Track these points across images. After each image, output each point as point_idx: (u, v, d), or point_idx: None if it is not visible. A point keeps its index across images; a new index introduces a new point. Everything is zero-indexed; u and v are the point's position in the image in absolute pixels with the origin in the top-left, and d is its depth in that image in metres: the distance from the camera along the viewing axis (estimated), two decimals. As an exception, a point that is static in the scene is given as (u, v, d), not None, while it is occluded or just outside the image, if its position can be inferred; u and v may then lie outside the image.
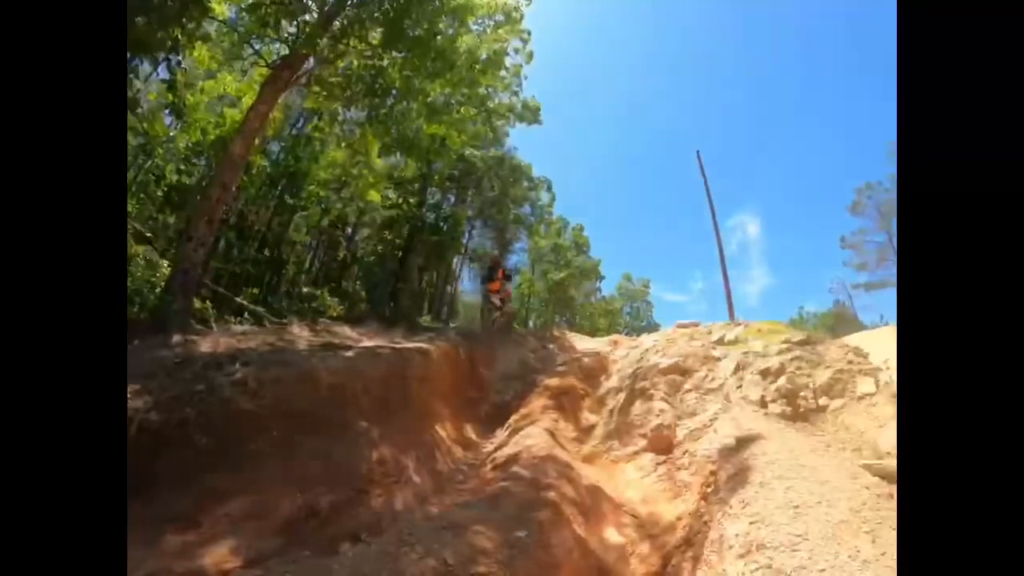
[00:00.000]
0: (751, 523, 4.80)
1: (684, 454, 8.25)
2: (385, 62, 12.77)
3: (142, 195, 16.26)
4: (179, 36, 10.14)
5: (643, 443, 9.02)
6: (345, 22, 12.17)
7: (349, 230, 20.99)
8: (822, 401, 8.25)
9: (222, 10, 12.40)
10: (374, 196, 17.56)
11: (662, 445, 8.73)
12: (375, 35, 12.39)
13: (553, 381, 12.89)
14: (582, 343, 19.69)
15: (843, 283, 40.77)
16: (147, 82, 15.25)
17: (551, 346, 18.37)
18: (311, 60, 12.53)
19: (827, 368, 8.90)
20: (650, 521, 7.49)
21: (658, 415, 9.29)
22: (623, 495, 8.23)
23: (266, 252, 17.84)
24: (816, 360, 9.35)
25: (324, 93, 13.56)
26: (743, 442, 6.78)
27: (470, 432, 11.54)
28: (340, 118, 14.54)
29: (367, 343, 12.16)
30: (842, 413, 7.77)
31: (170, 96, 10.65)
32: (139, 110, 13.23)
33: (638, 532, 7.32)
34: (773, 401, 8.60)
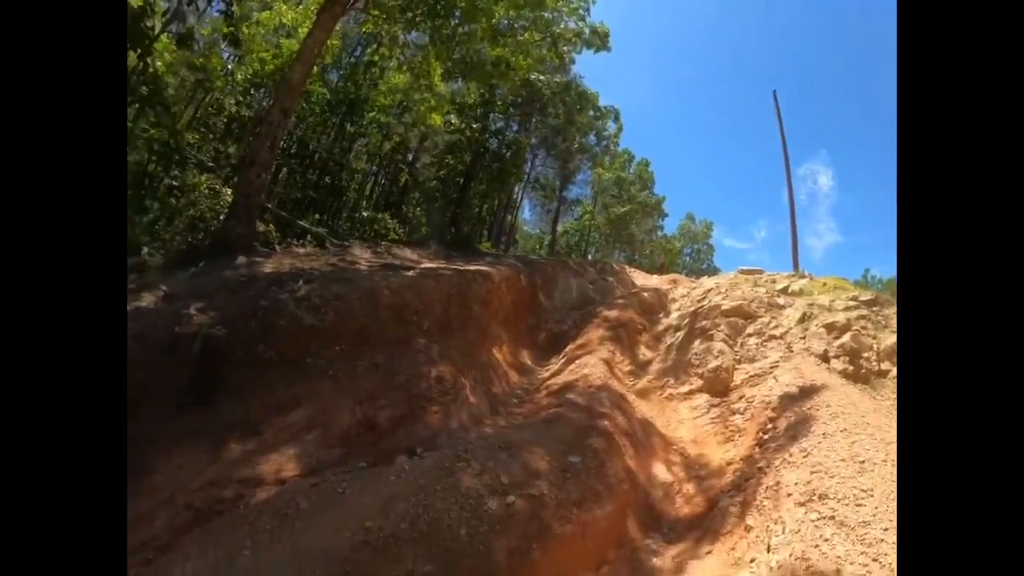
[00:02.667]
0: (813, 472, 4.65)
1: (740, 399, 8.09)
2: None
3: (203, 128, 16.59)
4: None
5: (699, 383, 8.89)
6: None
7: (410, 156, 20.88)
8: (884, 366, 7.89)
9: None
10: (436, 120, 17.08)
11: (718, 387, 8.59)
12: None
13: (612, 313, 12.77)
14: (641, 279, 19.40)
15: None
16: (201, 17, 15.49)
17: (610, 279, 18.17)
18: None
19: (893, 332, 8.45)
20: (699, 462, 7.47)
21: (717, 356, 9.10)
22: (674, 433, 8.21)
23: (327, 179, 18.02)
24: (882, 323, 8.87)
25: (383, 16, 13.17)
26: (807, 392, 6.56)
27: (526, 358, 11.64)
28: (400, 42, 14.14)
29: (428, 264, 12.28)
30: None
31: (225, 28, 10.59)
32: (195, 46, 13.25)
33: (686, 471, 7.32)
34: (836, 357, 8.26)
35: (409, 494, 5.22)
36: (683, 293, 14.70)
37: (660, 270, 26.90)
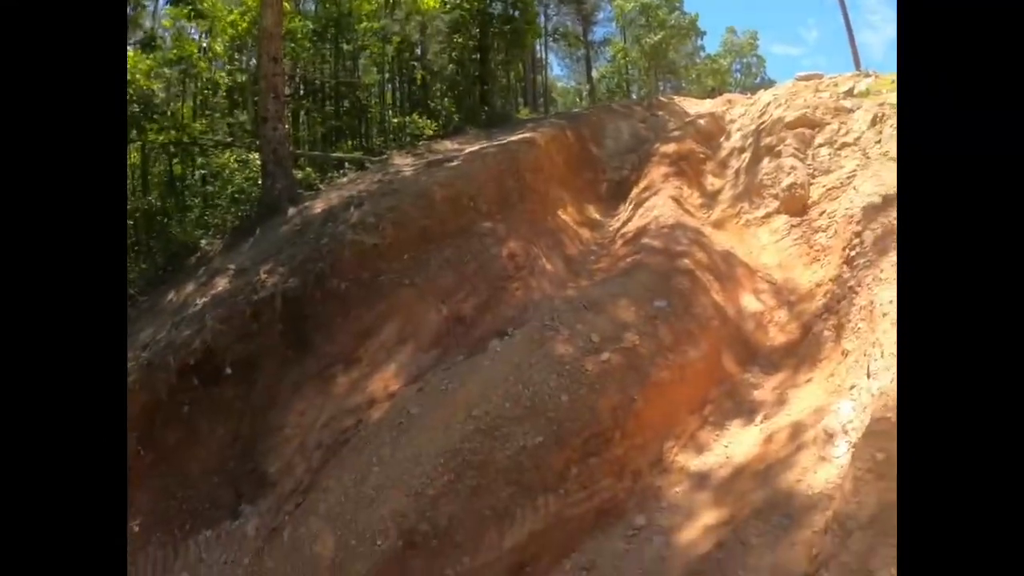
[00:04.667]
0: None
1: (821, 215, 7.60)
2: None
3: (207, 111, 16.25)
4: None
5: (775, 204, 8.41)
6: None
7: (418, 50, 19.78)
8: None
9: None
10: (429, 3, 16.06)
11: (796, 206, 8.09)
12: None
13: (669, 147, 12.10)
14: (693, 106, 18.14)
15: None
16: (156, 15, 15.49)
17: (660, 113, 17.09)
18: None
19: None
20: (787, 287, 7.20)
21: (789, 173, 8.49)
22: (757, 260, 7.89)
23: (345, 103, 17.47)
24: None
25: None
26: (891, 200, 5.98)
27: (593, 212, 11.37)
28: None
29: (471, 148, 11.95)
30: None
31: (179, 11, 10.00)
32: (162, 44, 13.24)
33: (776, 299, 7.09)
34: None
35: (507, 374, 5.45)
36: (741, 112, 13.65)
37: (712, 94, 25.18)
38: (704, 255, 7.47)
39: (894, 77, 10.62)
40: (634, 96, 29.59)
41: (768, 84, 35.70)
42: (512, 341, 6.13)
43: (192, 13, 13.40)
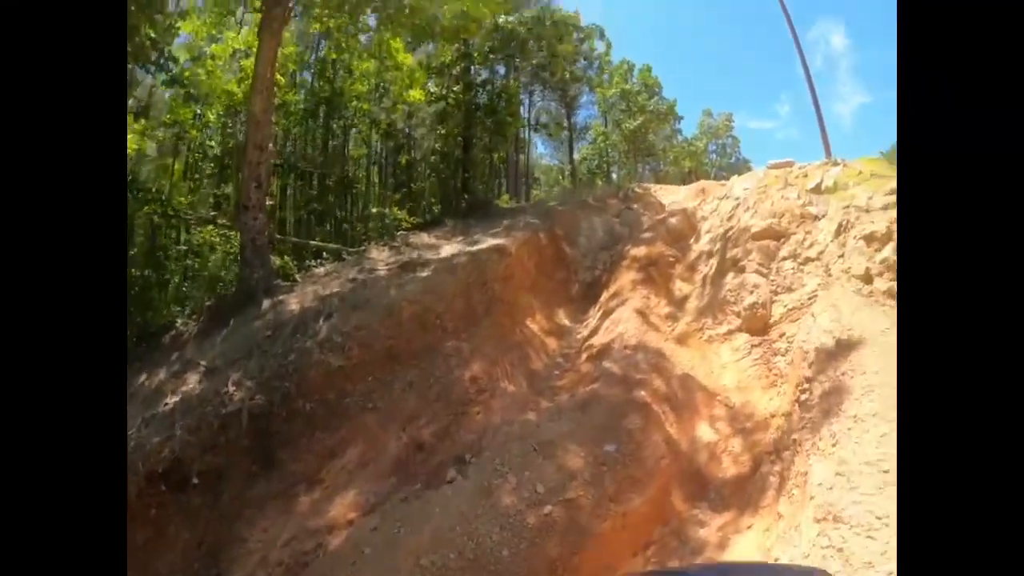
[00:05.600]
0: (837, 475, 4.37)
1: (781, 336, 7.75)
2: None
3: (196, 176, 16.69)
4: (151, 34, 10.16)
5: (737, 322, 8.56)
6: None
7: (406, 133, 20.43)
8: None
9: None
10: (415, 96, 16.52)
11: (757, 325, 8.25)
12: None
13: (640, 251, 12.35)
14: (668, 196, 18.62)
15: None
16: (153, 87, 15.60)
17: (635, 206, 17.52)
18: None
19: None
20: (744, 412, 7.26)
21: (751, 291, 8.68)
22: (718, 381, 7.99)
23: (329, 181, 17.92)
24: None
25: (325, 13, 12.60)
26: (842, 347, 6.09)
27: (563, 317, 11.51)
28: (352, 32, 13.54)
29: (445, 249, 12.13)
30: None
31: (164, 86, 10.50)
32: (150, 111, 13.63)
33: (731, 426, 7.14)
34: (879, 275, 7.63)
35: (455, 523, 5.53)
36: (712, 208, 14.02)
37: (688, 176, 25.88)
38: (662, 382, 7.56)
39: (861, 166, 11.01)
40: (614, 177, 30.42)
41: (743, 163, 37.03)
42: (464, 484, 6.22)
43: (186, 95, 13.93)
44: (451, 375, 8.29)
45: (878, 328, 6.17)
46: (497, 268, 10.74)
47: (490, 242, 11.95)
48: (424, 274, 10.12)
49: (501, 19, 17.69)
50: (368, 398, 7.79)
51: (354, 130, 18.84)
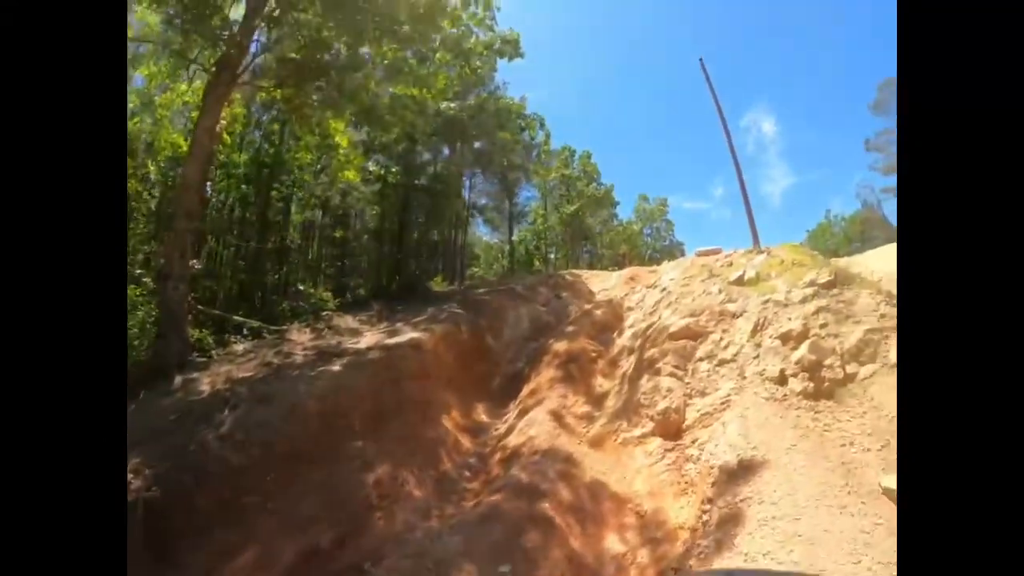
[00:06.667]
0: None
1: (693, 443, 7.77)
2: (324, 34, 11.83)
3: (129, 227, 15.90)
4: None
5: (651, 426, 8.57)
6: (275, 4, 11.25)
7: (340, 212, 20.43)
8: (850, 368, 7.44)
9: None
10: (350, 176, 16.64)
11: (671, 430, 8.27)
12: (311, 12, 11.44)
13: (562, 346, 12.44)
14: (598, 283, 19.06)
15: (871, 186, 38.47)
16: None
17: (564, 295, 17.84)
18: (251, 54, 11.72)
19: (856, 323, 7.98)
20: (655, 521, 7.14)
21: (666, 395, 8.75)
22: (630, 487, 7.88)
23: (266, 244, 17.45)
24: (844, 312, 8.37)
25: (272, 84, 12.74)
26: (743, 468, 6.19)
27: (481, 413, 11.34)
28: (296, 104, 13.70)
29: (366, 338, 11.91)
30: (872, 385, 6.99)
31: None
32: None
33: (641, 535, 7.00)
34: (794, 376, 7.82)
35: None
36: (639, 299, 14.41)
37: (622, 261, 26.65)
38: (569, 492, 7.41)
39: (784, 254, 11.45)
40: (552, 258, 31.12)
41: (676, 246, 38.92)
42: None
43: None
44: (354, 478, 7.97)
45: (783, 445, 6.26)
46: (412, 366, 10.62)
47: (409, 335, 11.81)
48: (336, 368, 9.84)
49: (443, 104, 18.19)
50: (267, 499, 7.37)
51: (296, 196, 18.63)
